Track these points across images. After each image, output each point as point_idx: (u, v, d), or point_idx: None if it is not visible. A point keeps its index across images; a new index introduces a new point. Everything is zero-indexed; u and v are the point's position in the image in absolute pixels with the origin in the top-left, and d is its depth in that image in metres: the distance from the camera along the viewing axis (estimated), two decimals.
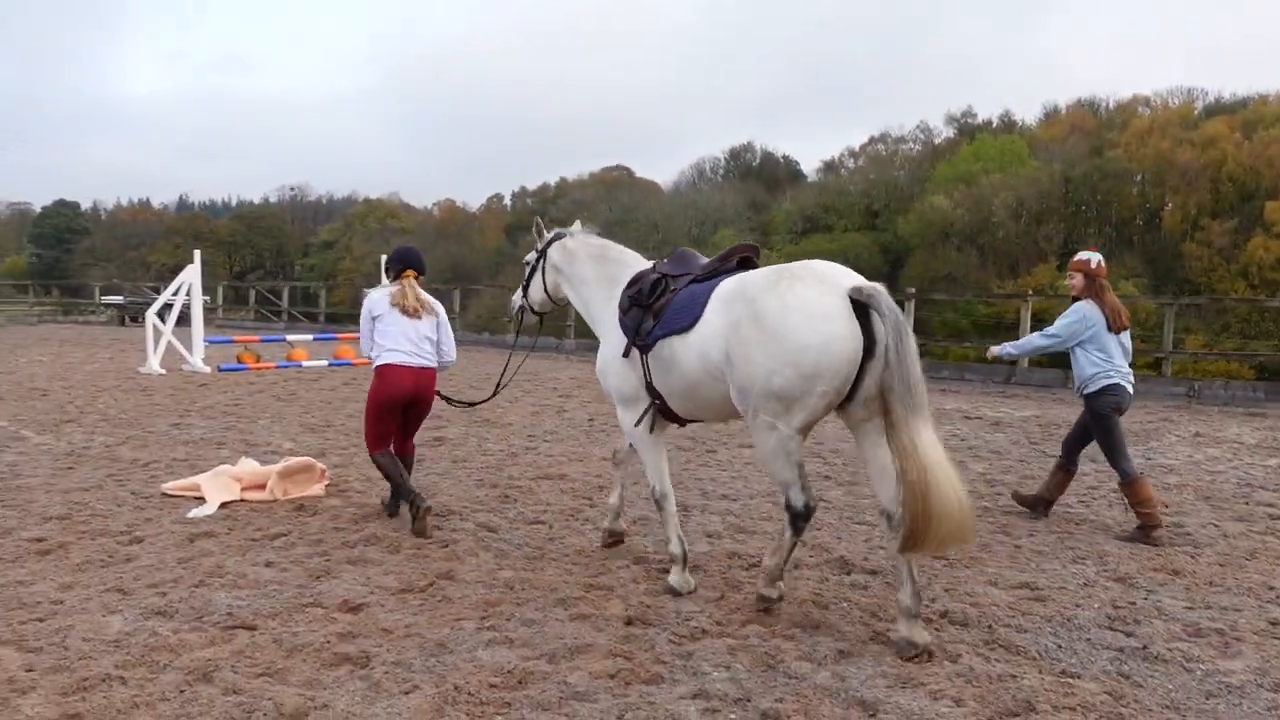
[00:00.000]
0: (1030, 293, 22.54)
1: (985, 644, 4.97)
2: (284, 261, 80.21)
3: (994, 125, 60.86)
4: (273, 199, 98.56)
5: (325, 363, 18.18)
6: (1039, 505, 7.70)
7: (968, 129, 61.67)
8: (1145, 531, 7.03)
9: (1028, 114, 63.85)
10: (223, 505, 7.69)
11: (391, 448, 7.44)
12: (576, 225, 6.97)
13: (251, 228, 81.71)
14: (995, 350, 7.56)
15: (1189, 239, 49.18)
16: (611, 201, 63.56)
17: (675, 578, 5.75)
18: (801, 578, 6.02)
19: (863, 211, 60.17)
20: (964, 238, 51.33)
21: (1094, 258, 7.41)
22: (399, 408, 7.33)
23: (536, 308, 7.05)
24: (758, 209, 63.80)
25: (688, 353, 5.40)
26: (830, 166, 65.71)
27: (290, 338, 18.25)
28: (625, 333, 5.86)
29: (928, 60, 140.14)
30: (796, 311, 4.83)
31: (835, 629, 5.16)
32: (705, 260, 5.98)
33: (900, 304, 5.22)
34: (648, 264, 6.24)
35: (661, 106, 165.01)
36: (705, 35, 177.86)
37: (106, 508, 7.66)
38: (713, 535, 7.07)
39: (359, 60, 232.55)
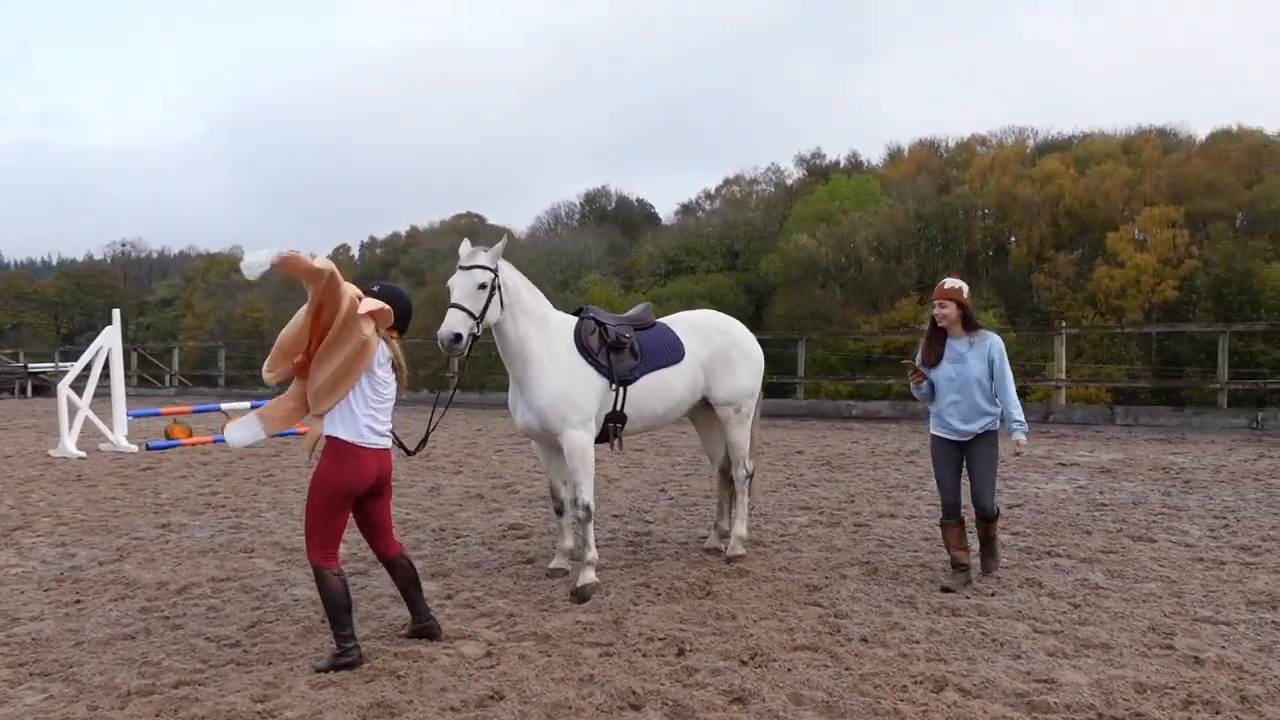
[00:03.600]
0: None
1: None
2: None
3: (842, 165, 61.53)
4: (98, 255, 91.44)
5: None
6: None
7: (817, 169, 62.26)
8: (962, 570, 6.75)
9: (872, 154, 64.84)
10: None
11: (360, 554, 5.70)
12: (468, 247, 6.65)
13: (80, 286, 74.95)
14: (1022, 438, 6.66)
15: (1037, 270, 50.47)
16: None
17: (591, 576, 6.68)
18: None
19: (723, 252, 59.71)
20: (828, 275, 51.24)
21: (964, 285, 6.85)
22: (360, 494, 5.40)
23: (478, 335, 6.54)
24: (618, 253, 62.56)
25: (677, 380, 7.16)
26: (687, 209, 65.15)
27: (225, 407, 15.54)
28: (601, 371, 6.77)
29: (766, 104, 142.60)
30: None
31: None
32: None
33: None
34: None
35: (508, 153, 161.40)
36: (545, 82, 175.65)
37: (206, 677, 5.31)
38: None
39: (192, 111, 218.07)
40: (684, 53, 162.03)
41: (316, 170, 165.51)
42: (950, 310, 6.69)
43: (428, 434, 6.75)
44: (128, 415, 14.64)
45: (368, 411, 5.32)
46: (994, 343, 6.65)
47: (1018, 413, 6.58)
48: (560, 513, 7.21)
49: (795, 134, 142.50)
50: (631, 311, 7.47)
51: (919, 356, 6.80)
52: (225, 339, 50.55)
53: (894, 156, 61.74)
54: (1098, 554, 7.30)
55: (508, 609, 6.34)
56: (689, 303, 53.28)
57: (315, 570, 5.33)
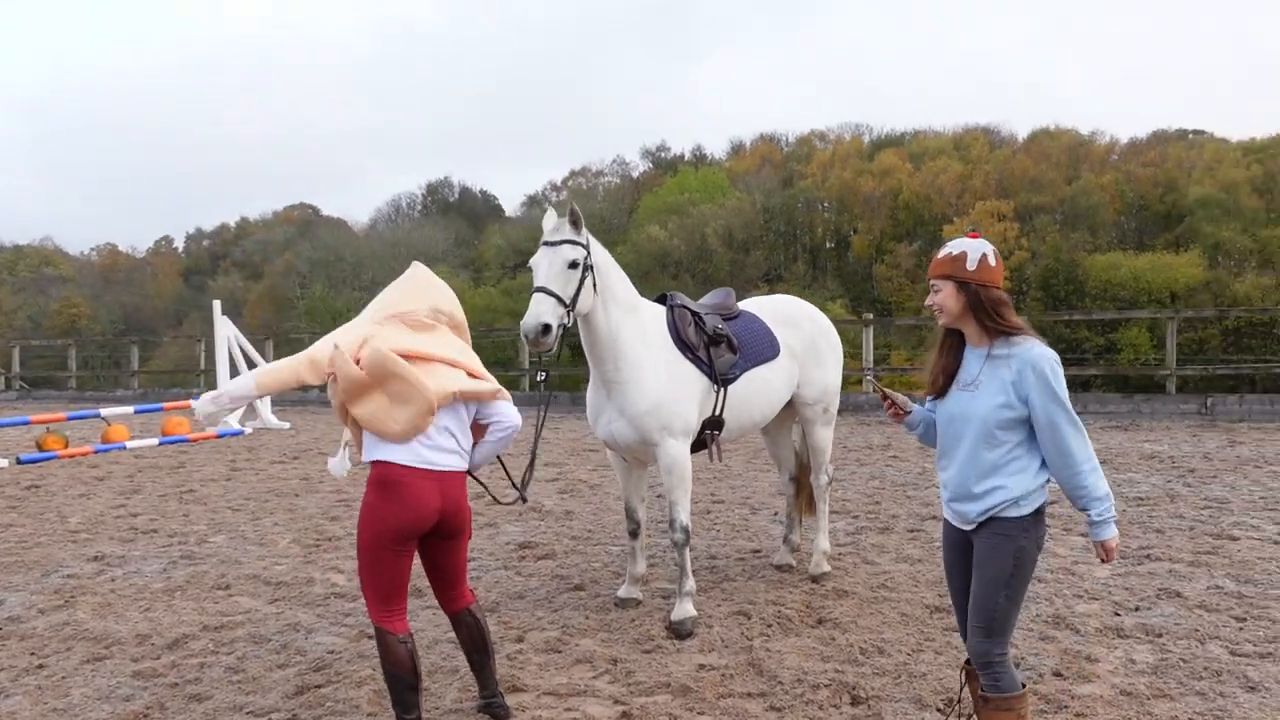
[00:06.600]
0: None
1: None
2: None
3: (687, 159, 61.52)
4: None
5: (156, 440, 13.57)
6: None
7: (663, 162, 62.08)
8: None
9: (716, 148, 65.22)
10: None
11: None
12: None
13: None
14: (1110, 535, 3.35)
15: (878, 262, 51.66)
16: (312, 239, 58.13)
17: (690, 608, 5.54)
18: None
19: None
20: (680, 266, 51.03)
21: (973, 249, 3.45)
22: (413, 532, 3.99)
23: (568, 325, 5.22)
24: (464, 245, 60.78)
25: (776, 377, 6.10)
26: (534, 201, 63.82)
27: (104, 412, 13.51)
28: (702, 369, 5.68)
29: (607, 99, 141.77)
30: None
31: None
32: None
33: None
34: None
35: (342, 143, 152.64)
36: (378, 72, 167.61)
37: None
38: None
39: None
40: (521, 45, 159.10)
41: (137, 159, 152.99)
42: (944, 295, 3.44)
43: (531, 464, 5.18)
44: None
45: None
46: (1032, 359, 3.32)
47: (1092, 481, 3.32)
48: (634, 535, 6.09)
49: (638, 128, 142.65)
50: (711, 299, 6.39)
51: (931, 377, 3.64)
52: (39, 337, 46.14)
53: (737, 150, 62.27)
54: (1199, 556, 6.67)
55: (605, 652, 5.21)
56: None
57: (376, 633, 4.00)
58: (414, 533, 3.97)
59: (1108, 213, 49.45)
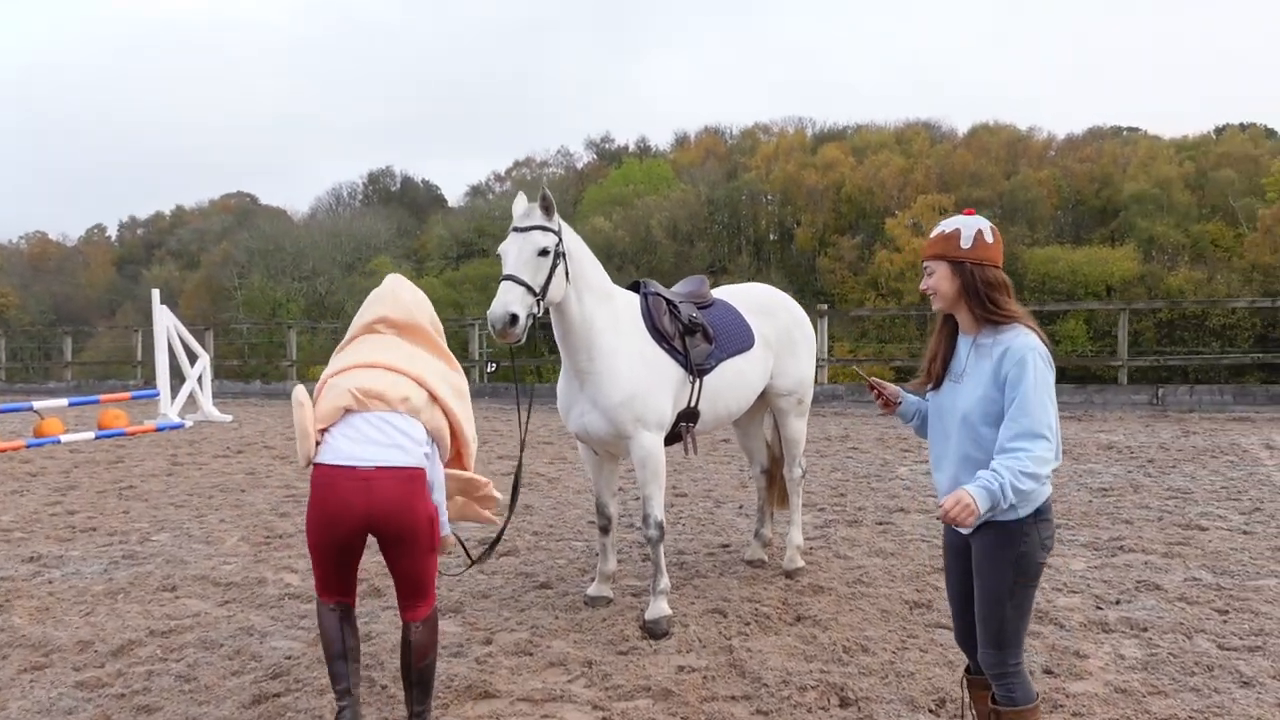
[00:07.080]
0: None
1: None
2: None
3: (631, 150, 61.29)
4: None
5: (92, 434, 13.03)
6: None
7: (607, 153, 61.78)
8: None
9: (661, 140, 65.06)
10: None
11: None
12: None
13: None
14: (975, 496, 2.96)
15: (821, 254, 51.88)
16: (250, 229, 56.90)
17: (664, 607, 5.33)
18: None
19: None
20: (624, 258, 50.75)
21: (967, 226, 3.24)
22: (342, 542, 3.75)
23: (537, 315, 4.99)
24: (406, 234, 59.93)
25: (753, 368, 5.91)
26: (477, 191, 63.17)
27: (38, 405, 12.92)
28: (677, 359, 5.47)
29: (551, 90, 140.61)
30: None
31: None
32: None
33: None
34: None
35: (281, 130, 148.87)
36: (317, 58, 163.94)
37: None
38: None
39: None
40: (465, 34, 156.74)
41: (68, 145, 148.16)
42: (938, 278, 3.22)
43: (512, 506, 5.21)
44: None
45: (353, 419, 3.82)
46: (1015, 347, 3.06)
47: (1008, 462, 2.96)
48: (605, 531, 5.86)
49: (583, 119, 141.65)
50: (684, 286, 6.16)
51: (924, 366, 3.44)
52: None
53: (681, 142, 62.16)
54: (1171, 547, 6.61)
55: (578, 654, 4.97)
56: (483, 285, 51.63)
57: (318, 607, 3.92)
58: (339, 538, 3.72)
59: (1045, 207, 50.15)
